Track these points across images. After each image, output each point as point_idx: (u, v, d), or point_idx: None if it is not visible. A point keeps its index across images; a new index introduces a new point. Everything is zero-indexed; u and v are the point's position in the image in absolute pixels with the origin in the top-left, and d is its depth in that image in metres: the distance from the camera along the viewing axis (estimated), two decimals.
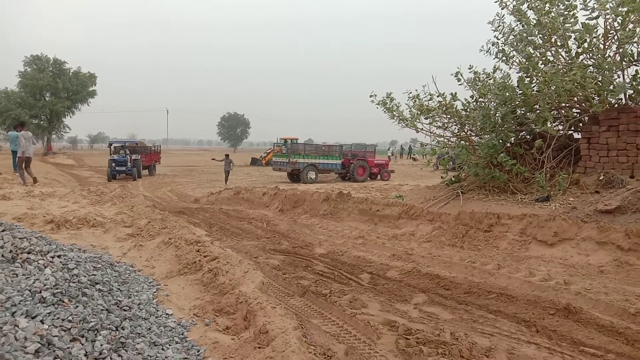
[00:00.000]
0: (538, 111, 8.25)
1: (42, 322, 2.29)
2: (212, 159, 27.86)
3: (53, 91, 52.29)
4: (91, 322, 2.45)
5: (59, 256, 3.04)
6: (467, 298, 4.60)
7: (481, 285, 4.89)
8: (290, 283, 5.09)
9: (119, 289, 3.10)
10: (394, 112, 9.72)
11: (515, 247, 6.22)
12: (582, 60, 7.74)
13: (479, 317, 4.10)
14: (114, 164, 24.26)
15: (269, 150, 39.88)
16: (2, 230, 3.08)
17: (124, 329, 2.61)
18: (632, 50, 7.59)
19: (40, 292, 2.48)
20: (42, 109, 51.63)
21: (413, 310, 4.31)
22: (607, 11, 7.25)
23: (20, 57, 52.14)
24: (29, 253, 2.91)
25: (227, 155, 22.81)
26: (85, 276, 2.92)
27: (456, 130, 9.72)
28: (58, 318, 2.35)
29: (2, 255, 2.77)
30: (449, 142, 9.88)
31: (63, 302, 2.49)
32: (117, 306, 2.79)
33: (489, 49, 8.98)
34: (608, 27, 7.55)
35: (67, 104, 52.86)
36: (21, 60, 51.87)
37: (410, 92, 9.62)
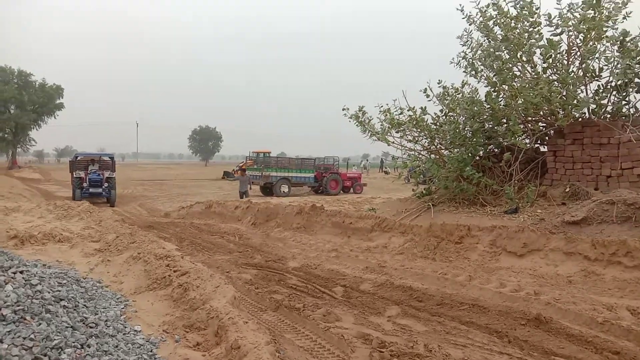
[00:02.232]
0: (507, 125, 8.42)
1: (1, 341, 2.18)
2: (223, 178, 24.18)
3: (18, 104, 50.89)
4: (55, 339, 2.35)
5: (21, 272, 2.92)
6: (440, 310, 4.63)
7: (454, 297, 4.93)
8: (263, 297, 5.03)
9: (85, 305, 2.99)
10: (366, 126, 9.79)
11: (486, 258, 6.29)
12: (547, 75, 7.96)
13: (452, 329, 4.12)
14: (85, 184, 18.76)
15: (241, 164, 39.62)
16: None
17: (89, 347, 2.52)
18: (593, 66, 7.85)
19: (0, 309, 2.37)
20: (6, 122, 50.15)
21: (387, 323, 4.31)
22: (570, 28, 7.49)
23: None
24: None
25: (243, 170, 19.78)
26: (49, 292, 2.81)
27: (426, 144, 9.85)
28: (19, 336, 2.25)
29: None
30: (420, 156, 9.99)
31: (25, 319, 2.38)
32: (83, 323, 2.69)
33: (459, 61, 9.15)
34: (571, 43, 7.80)
35: (33, 117, 51.51)
36: None
37: (382, 106, 9.73)
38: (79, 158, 21.00)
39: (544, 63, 7.98)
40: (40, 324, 2.41)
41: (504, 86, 8.14)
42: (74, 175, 19.40)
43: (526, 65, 8.24)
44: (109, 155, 22.07)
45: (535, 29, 7.80)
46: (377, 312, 4.61)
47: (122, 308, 3.34)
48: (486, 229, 6.68)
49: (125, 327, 2.86)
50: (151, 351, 2.84)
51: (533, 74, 8.05)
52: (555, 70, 7.98)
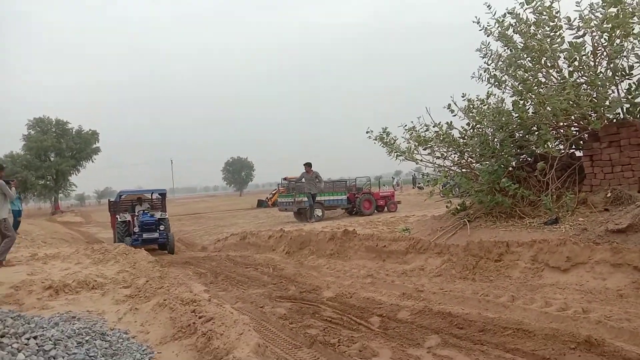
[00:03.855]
0: (537, 133, 8.14)
1: None
2: (285, 179, 23.43)
3: (57, 151, 53.12)
4: None
5: (35, 337, 2.87)
6: (483, 337, 4.37)
7: (496, 321, 4.65)
8: (298, 333, 4.88)
9: None
10: (391, 147, 9.65)
11: (528, 275, 5.99)
12: (574, 79, 7.67)
13: (496, 358, 3.87)
14: (136, 229, 14.47)
15: (274, 191, 39.85)
16: None
17: None
18: (622, 65, 7.53)
19: None
20: (47, 169, 52.33)
21: (426, 355, 4.09)
22: (593, 28, 7.22)
23: (22, 121, 53.36)
24: (2, 337, 2.74)
25: (309, 166, 17.46)
26: (63, 357, 2.74)
27: (456, 159, 9.61)
28: None
29: None
30: (450, 171, 9.75)
31: None
32: None
33: (481, 75, 8.96)
34: (595, 43, 7.51)
35: (71, 163, 53.58)
36: (25, 124, 52.93)
37: (406, 125, 9.58)
38: (123, 197, 17.22)
39: (569, 67, 7.70)
40: None
41: (530, 94, 7.88)
42: (119, 219, 15.40)
43: (551, 71, 7.97)
44: (160, 192, 17.74)
45: (557, 33, 7.55)
46: (416, 343, 4.39)
47: None
48: (526, 244, 6.38)
49: None
50: None
51: (559, 78, 7.76)
52: (582, 72, 7.68)
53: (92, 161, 56.60)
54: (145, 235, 14.10)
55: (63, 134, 53.80)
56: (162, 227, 14.52)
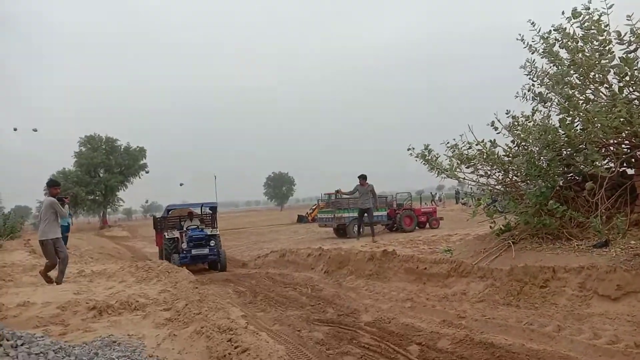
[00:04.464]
0: (585, 151, 7.81)
1: None
2: (337, 192, 22.35)
3: (106, 167, 55.35)
4: None
5: None
6: None
7: (541, 354, 4.44)
8: None
9: None
10: (433, 164, 9.46)
11: (576, 303, 5.70)
12: (625, 95, 7.32)
13: None
14: (184, 246, 13.57)
15: (314, 207, 39.99)
16: (22, 344, 3.01)
17: None
18: None
19: None
20: (97, 185, 54.54)
21: None
22: None
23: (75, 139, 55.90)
24: None
25: (363, 178, 15.94)
26: None
27: (500, 178, 9.32)
28: None
29: None
30: (494, 190, 9.46)
31: None
32: None
33: (525, 94, 8.69)
34: None
35: (120, 179, 55.67)
36: (77, 142, 55.45)
37: (448, 142, 9.38)
38: (171, 212, 16.41)
39: (619, 82, 7.36)
40: None
41: (577, 111, 7.56)
42: (166, 236, 14.55)
43: (600, 87, 7.64)
44: (211, 206, 16.80)
45: (606, 48, 7.24)
46: None
47: None
48: (573, 270, 6.08)
49: None
50: None
51: (608, 95, 7.43)
52: (634, 88, 7.33)
53: (139, 177, 58.63)
54: (194, 252, 13.27)
55: (112, 150, 56.12)
56: (212, 243, 13.60)
